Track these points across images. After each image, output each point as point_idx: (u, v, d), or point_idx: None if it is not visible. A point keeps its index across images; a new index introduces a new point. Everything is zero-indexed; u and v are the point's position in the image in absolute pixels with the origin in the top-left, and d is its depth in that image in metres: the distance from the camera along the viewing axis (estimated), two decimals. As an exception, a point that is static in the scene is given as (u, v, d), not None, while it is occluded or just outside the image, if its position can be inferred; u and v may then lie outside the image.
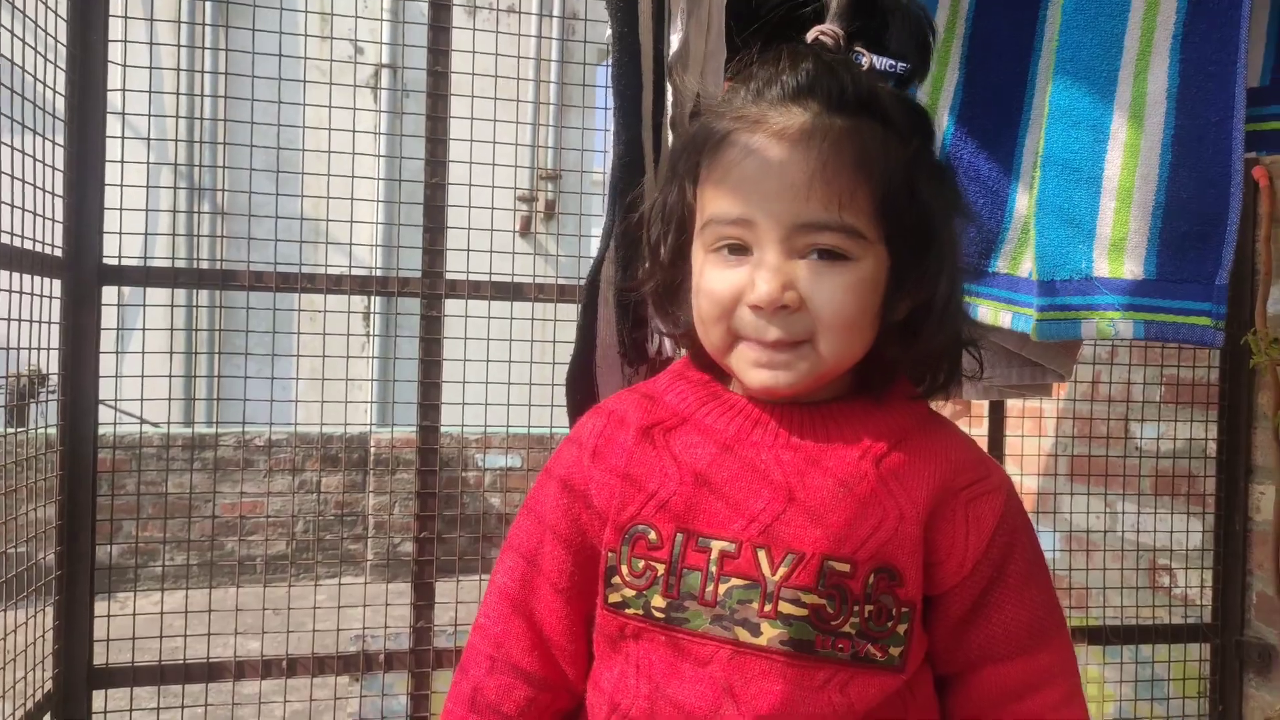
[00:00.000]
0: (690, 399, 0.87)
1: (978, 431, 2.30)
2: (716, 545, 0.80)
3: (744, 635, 0.78)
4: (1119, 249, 0.86)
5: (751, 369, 0.81)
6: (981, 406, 2.29)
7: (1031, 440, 2.61)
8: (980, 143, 1.02)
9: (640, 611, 0.82)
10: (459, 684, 0.90)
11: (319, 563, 3.89)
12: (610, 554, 0.84)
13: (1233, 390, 2.17)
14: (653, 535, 0.82)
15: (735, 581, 0.79)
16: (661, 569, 0.81)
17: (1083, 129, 0.89)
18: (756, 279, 0.78)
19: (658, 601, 0.81)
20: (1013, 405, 2.46)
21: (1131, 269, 0.86)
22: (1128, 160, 0.86)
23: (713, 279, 0.81)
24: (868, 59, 0.84)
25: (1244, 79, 0.82)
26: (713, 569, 0.79)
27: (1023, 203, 1.00)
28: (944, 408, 1.77)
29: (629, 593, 0.82)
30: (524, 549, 0.89)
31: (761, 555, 0.78)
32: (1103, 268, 0.88)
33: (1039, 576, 0.85)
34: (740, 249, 0.80)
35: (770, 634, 0.78)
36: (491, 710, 0.87)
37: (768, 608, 0.78)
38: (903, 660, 0.80)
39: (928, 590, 0.82)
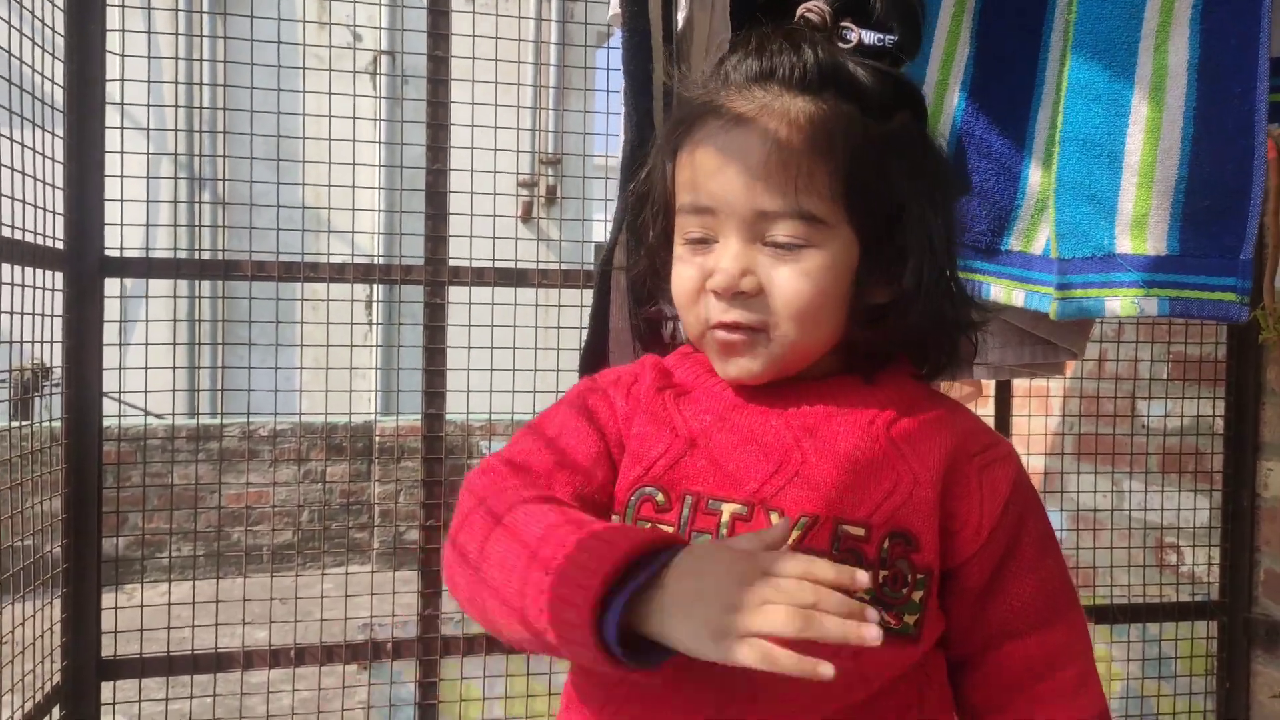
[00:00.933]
0: (699, 371, 0.87)
1: (984, 411, 2.29)
2: (728, 508, 0.78)
3: None
4: (1141, 225, 0.85)
5: (719, 360, 0.82)
6: (989, 385, 2.28)
7: (1038, 419, 2.61)
8: (992, 118, 1.01)
9: None
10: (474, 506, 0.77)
11: (325, 552, 3.89)
12: (615, 516, 0.82)
13: (1240, 366, 2.16)
14: (660, 497, 0.80)
15: None
16: (669, 532, 0.78)
17: (1102, 104, 0.87)
18: (717, 265, 0.79)
19: None
20: (1019, 384, 2.45)
21: (1154, 245, 0.85)
22: (1148, 135, 0.84)
23: (680, 269, 0.83)
24: (856, 34, 0.83)
25: (1267, 49, 0.81)
26: (724, 532, 0.77)
27: (1036, 179, 0.98)
28: (955, 389, 1.76)
29: None
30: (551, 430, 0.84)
31: (774, 518, 0.77)
32: (1125, 244, 0.86)
33: (1052, 550, 0.84)
34: (704, 240, 0.81)
35: None
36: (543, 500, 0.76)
37: None
38: (918, 630, 0.78)
39: (946, 562, 0.81)
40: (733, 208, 0.77)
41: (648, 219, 0.89)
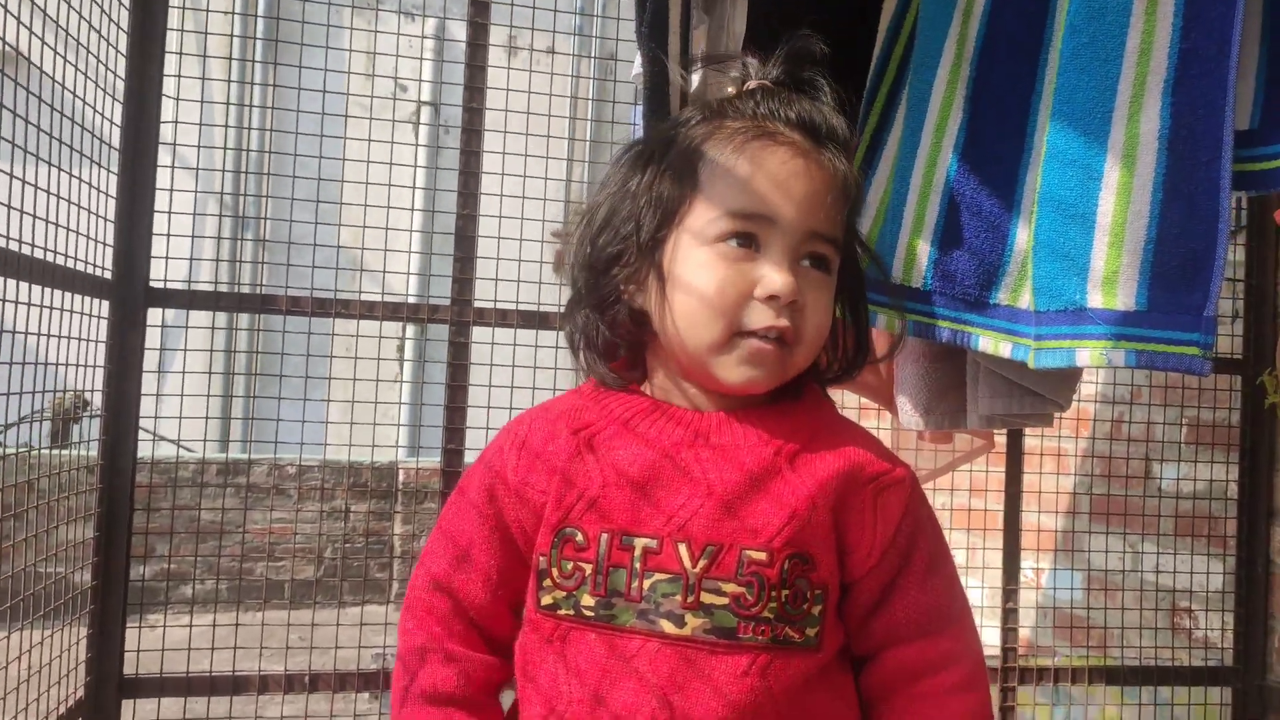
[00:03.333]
0: (614, 407, 0.91)
1: (995, 468, 2.31)
2: (640, 543, 0.84)
3: (668, 627, 0.82)
4: (1111, 282, 0.90)
5: (739, 365, 0.86)
6: (1000, 444, 2.30)
7: (1051, 478, 2.62)
8: (982, 179, 1.06)
9: (571, 611, 0.86)
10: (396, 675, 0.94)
11: (344, 589, 3.95)
12: (541, 558, 0.88)
13: (1254, 432, 2.17)
14: (580, 537, 0.86)
15: (659, 576, 0.83)
16: (589, 569, 0.85)
17: (1076, 169, 0.93)
18: (773, 273, 0.84)
19: (587, 600, 0.85)
20: (1032, 443, 2.47)
21: (1124, 301, 0.90)
22: (1120, 198, 0.90)
23: (717, 270, 0.84)
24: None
25: (1232, 121, 0.87)
26: (637, 566, 0.84)
27: (1022, 237, 1.03)
28: (967, 440, 1.79)
29: (560, 594, 0.87)
30: (451, 531, 0.94)
31: (682, 549, 0.83)
32: (1096, 299, 0.91)
33: (941, 565, 0.91)
34: (748, 242, 0.85)
35: (694, 624, 0.82)
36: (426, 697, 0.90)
37: (690, 599, 0.82)
38: (819, 640, 0.85)
39: (842, 578, 0.88)
40: (794, 222, 0.85)
41: (640, 220, 0.88)
